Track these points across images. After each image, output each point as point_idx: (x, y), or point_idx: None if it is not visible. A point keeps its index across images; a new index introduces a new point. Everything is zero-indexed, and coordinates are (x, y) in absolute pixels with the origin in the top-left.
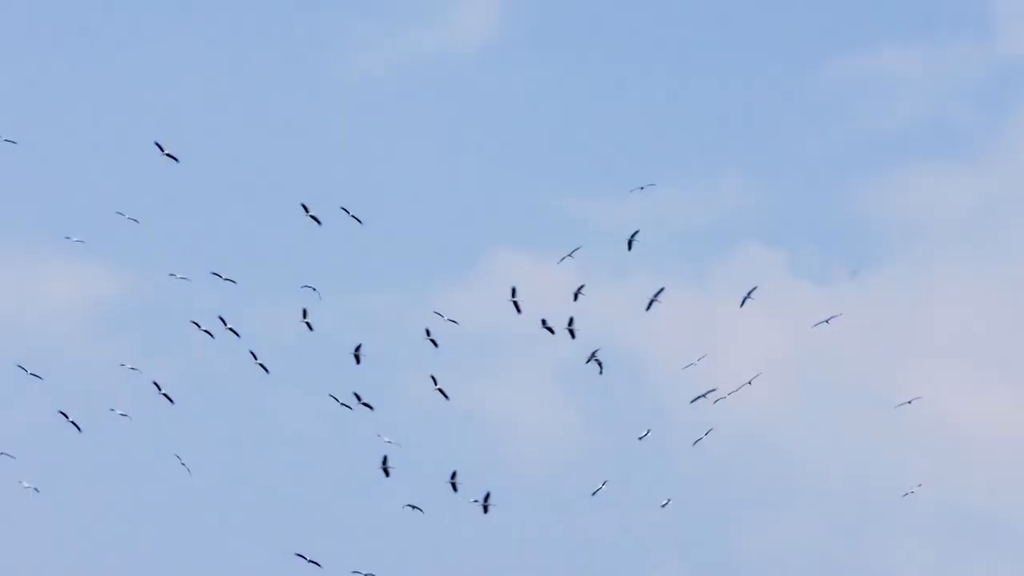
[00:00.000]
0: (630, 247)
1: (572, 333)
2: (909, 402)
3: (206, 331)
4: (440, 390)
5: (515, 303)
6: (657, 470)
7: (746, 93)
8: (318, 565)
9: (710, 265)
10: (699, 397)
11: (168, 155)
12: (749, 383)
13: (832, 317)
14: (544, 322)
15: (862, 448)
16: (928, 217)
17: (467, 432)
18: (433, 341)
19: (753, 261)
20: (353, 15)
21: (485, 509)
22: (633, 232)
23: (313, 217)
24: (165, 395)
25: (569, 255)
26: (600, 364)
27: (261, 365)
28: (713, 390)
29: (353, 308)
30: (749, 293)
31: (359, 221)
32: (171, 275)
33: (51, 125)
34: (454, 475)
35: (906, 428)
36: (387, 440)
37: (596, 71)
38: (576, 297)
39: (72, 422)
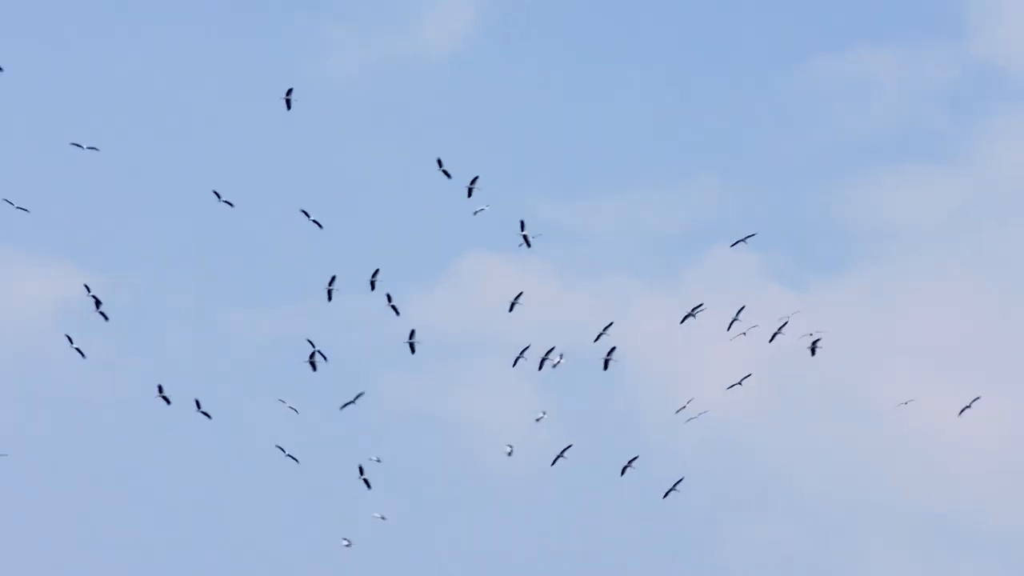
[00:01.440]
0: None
1: (606, 364)
2: (905, 403)
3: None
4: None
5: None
6: (634, 475)
7: (720, 96)
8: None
9: (683, 268)
10: (682, 408)
11: (91, 147)
12: (740, 383)
13: (784, 323)
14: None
15: (837, 452)
16: (902, 220)
17: (440, 434)
18: (412, 345)
19: (725, 264)
20: (326, 19)
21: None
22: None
23: (315, 222)
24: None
25: (525, 240)
26: (608, 361)
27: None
28: (691, 400)
29: (326, 310)
30: (692, 311)
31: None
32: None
33: (15, 123)
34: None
35: (881, 432)
36: (374, 459)
37: (570, 75)
38: (512, 308)
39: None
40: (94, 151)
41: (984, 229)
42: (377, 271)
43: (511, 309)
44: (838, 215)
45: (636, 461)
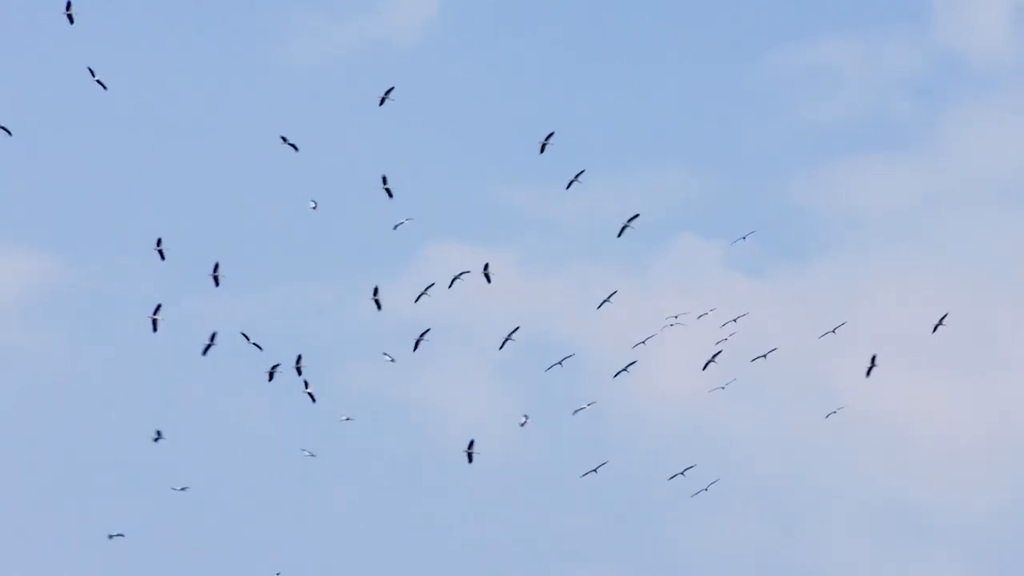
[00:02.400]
0: (620, 234)
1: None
2: (835, 412)
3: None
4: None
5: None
6: (589, 463)
7: (686, 85)
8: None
9: (647, 256)
10: (621, 371)
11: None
12: (764, 356)
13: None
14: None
15: (800, 440)
16: (867, 208)
17: (407, 420)
18: (390, 357)
19: (689, 252)
20: (293, 5)
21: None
22: (632, 216)
23: (291, 145)
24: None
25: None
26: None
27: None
28: (634, 362)
29: (294, 298)
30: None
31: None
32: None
33: None
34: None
35: (842, 421)
36: (345, 418)
37: (536, 61)
38: (416, 346)
39: None
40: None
41: (949, 217)
42: (218, 265)
43: (451, 286)
44: (803, 204)
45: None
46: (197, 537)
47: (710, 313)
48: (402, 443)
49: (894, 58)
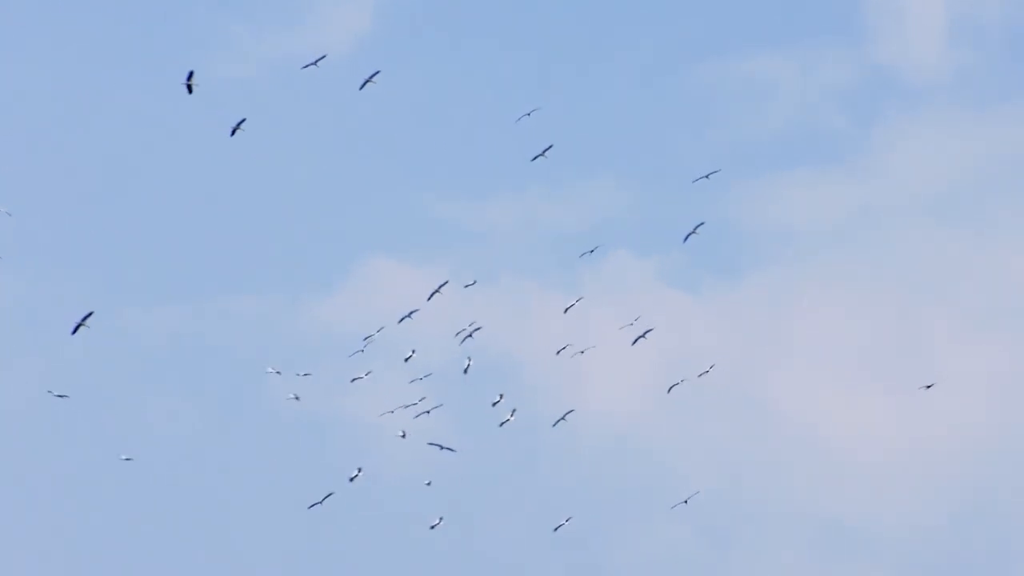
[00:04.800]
0: (686, 240)
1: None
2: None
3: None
4: None
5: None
6: (526, 477)
7: (618, 97)
8: None
9: (581, 271)
10: (560, 420)
11: None
12: (708, 371)
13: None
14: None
15: (733, 456)
16: (800, 223)
17: (336, 436)
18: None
19: (622, 267)
20: (226, 17)
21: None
22: (697, 225)
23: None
24: None
25: None
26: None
27: None
28: (572, 411)
29: (226, 311)
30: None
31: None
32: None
33: None
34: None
35: (776, 435)
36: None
37: (466, 74)
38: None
39: None
40: None
41: (882, 231)
42: None
43: (429, 299)
44: (735, 218)
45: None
46: (137, 548)
47: (635, 323)
48: (329, 458)
49: (828, 72)
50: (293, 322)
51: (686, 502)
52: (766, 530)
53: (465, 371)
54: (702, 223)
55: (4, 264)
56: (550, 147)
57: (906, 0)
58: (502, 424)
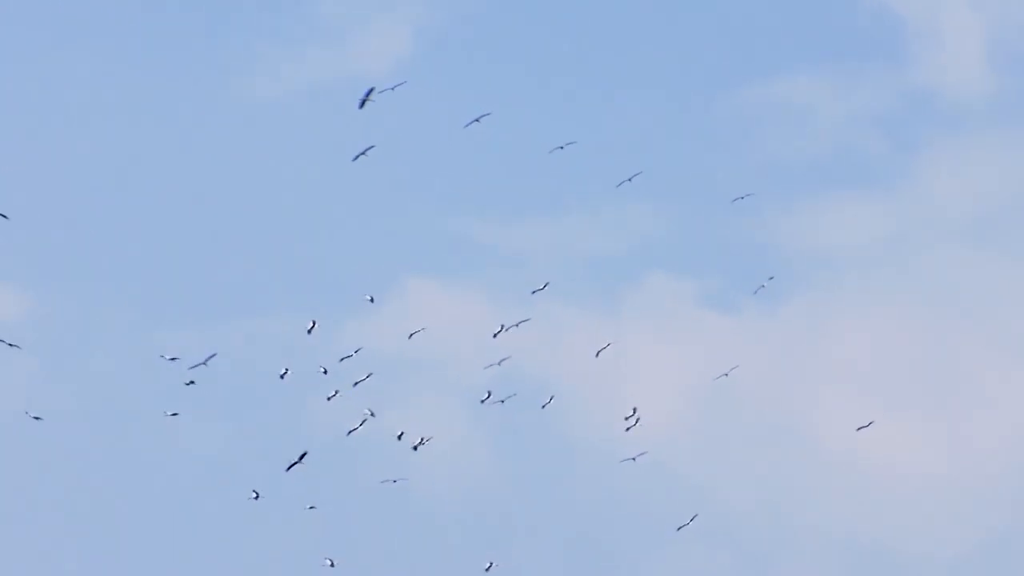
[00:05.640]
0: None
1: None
2: (633, 459)
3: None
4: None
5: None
6: (566, 500)
7: (656, 121)
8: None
9: (619, 294)
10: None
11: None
12: (727, 374)
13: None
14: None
15: (770, 479)
16: (836, 247)
17: (377, 458)
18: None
19: (661, 291)
20: (262, 38)
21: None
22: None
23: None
24: None
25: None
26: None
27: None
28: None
29: (263, 332)
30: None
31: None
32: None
33: None
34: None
35: (814, 459)
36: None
37: (505, 97)
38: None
39: None
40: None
41: (920, 255)
42: None
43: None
44: (774, 241)
45: None
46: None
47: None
48: (370, 481)
49: (867, 95)
50: (329, 343)
51: (688, 524)
52: (804, 554)
53: (482, 402)
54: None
55: (34, 284)
56: (572, 143)
57: (945, 23)
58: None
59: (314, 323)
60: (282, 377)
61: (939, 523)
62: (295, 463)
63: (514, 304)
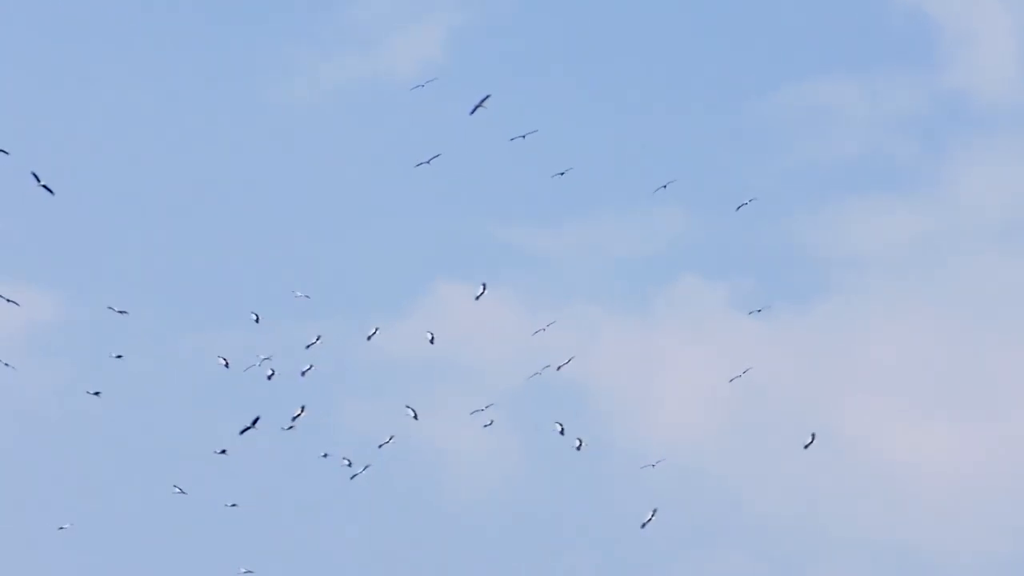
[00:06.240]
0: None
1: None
2: (653, 465)
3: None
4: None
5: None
6: (596, 504)
7: (686, 124)
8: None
9: (650, 296)
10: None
11: (44, 186)
12: (741, 375)
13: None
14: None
15: (801, 484)
16: (868, 251)
17: (408, 462)
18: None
19: (693, 293)
20: (292, 41)
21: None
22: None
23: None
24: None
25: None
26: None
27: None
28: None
29: (297, 335)
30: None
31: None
32: (109, 308)
33: None
34: None
35: (845, 464)
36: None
37: (536, 99)
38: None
39: None
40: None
41: (952, 259)
42: None
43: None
44: (806, 244)
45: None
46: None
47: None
48: (403, 486)
49: (897, 98)
50: (360, 347)
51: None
52: (835, 558)
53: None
54: (488, 96)
55: (64, 289)
56: (488, 96)
57: (977, 26)
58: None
59: (376, 329)
60: (269, 379)
61: (970, 527)
62: (248, 427)
63: (546, 308)
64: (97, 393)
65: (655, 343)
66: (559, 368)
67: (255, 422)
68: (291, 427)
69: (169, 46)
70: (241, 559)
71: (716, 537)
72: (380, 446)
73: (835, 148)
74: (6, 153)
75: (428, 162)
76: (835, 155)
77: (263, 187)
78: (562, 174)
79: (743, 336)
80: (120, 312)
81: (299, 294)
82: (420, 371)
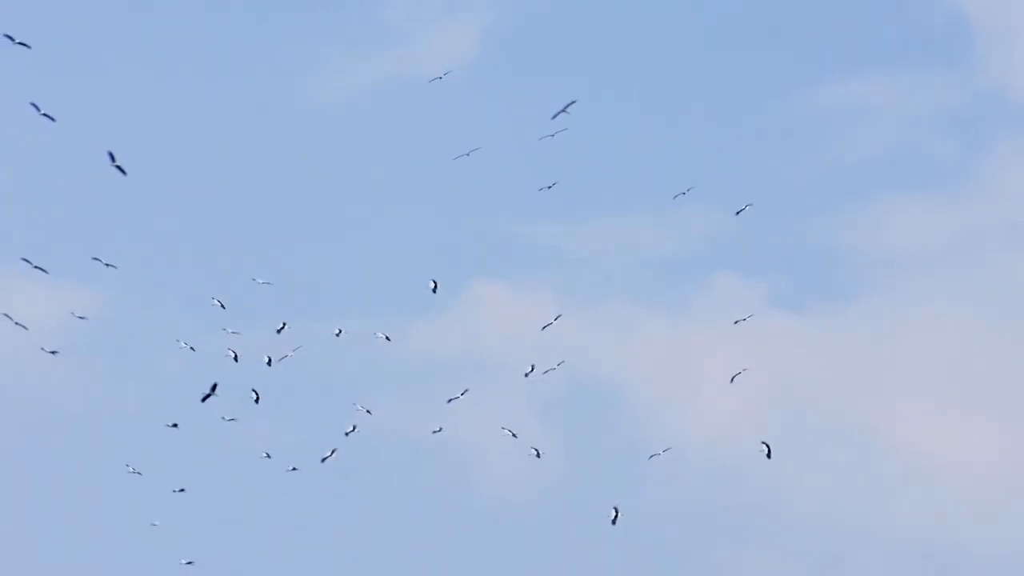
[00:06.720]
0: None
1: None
2: (661, 452)
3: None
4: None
5: None
6: (632, 503)
7: (724, 121)
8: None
9: (687, 294)
10: (655, 455)
11: (117, 167)
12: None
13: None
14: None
15: (838, 483)
16: (905, 249)
17: (445, 462)
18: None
19: (730, 291)
20: (321, 40)
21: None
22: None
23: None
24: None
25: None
26: None
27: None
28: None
29: (326, 334)
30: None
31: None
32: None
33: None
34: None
35: (882, 462)
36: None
37: (572, 96)
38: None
39: None
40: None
41: (989, 257)
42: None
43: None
44: (843, 242)
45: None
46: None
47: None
48: (438, 482)
49: (935, 96)
50: (398, 346)
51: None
52: (872, 557)
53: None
54: (573, 101)
55: (111, 288)
56: (573, 102)
57: (1015, 23)
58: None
59: (387, 336)
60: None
61: (1009, 525)
62: (208, 395)
63: (581, 305)
64: (175, 425)
65: (690, 341)
66: (556, 366)
67: (214, 388)
68: (327, 458)
69: (201, 46)
70: (245, 559)
71: (752, 535)
72: (346, 434)
73: (872, 146)
74: (52, 119)
75: (467, 155)
76: (872, 153)
77: (294, 187)
78: (550, 187)
79: (779, 335)
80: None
81: (261, 280)
82: (454, 369)
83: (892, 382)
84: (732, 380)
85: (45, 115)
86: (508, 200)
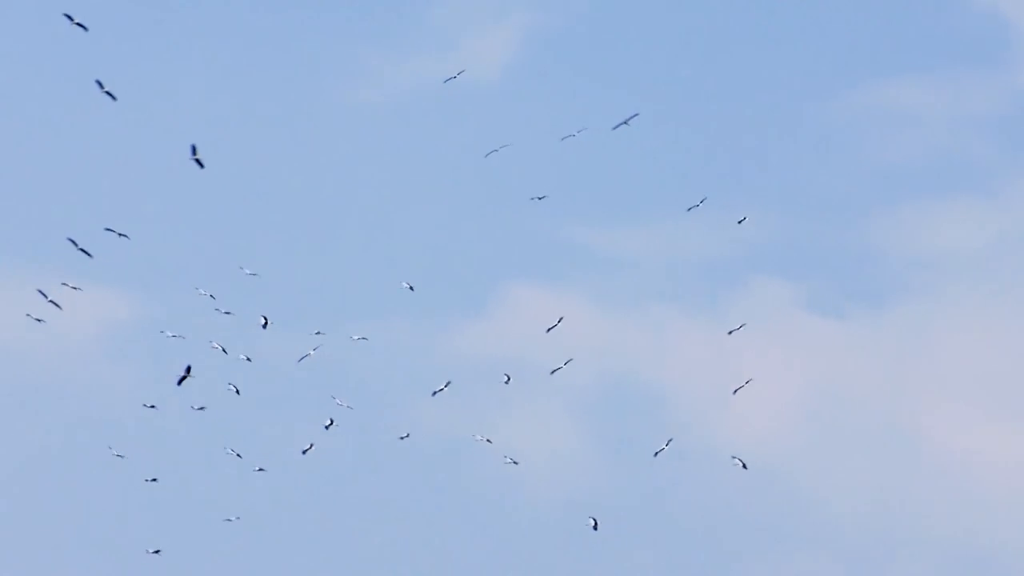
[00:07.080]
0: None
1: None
2: (664, 446)
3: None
4: None
5: None
6: (669, 507)
7: (762, 124)
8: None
9: (726, 298)
10: (660, 450)
11: (196, 160)
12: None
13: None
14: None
15: (878, 486)
16: (945, 252)
17: (480, 465)
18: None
19: (769, 295)
20: (360, 44)
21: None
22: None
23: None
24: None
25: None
26: None
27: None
28: (671, 440)
29: (365, 337)
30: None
31: (112, 97)
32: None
33: (56, 147)
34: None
35: (922, 465)
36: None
37: (612, 102)
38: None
39: None
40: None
41: None
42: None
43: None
44: (882, 246)
45: None
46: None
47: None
48: (479, 486)
49: (973, 99)
50: (433, 349)
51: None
52: (913, 559)
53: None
54: (636, 114)
55: (146, 292)
56: (635, 115)
57: None
58: (656, 454)
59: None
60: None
61: None
62: (183, 377)
63: (618, 308)
64: (202, 408)
65: (729, 344)
66: (564, 364)
67: (188, 371)
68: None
69: (244, 49)
70: (248, 557)
71: (792, 538)
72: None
73: (912, 149)
74: (114, 97)
75: (497, 150)
76: (912, 156)
77: (334, 189)
78: (540, 198)
79: (817, 338)
80: (226, 313)
81: (248, 271)
82: (492, 372)
83: (932, 385)
84: (735, 393)
85: (107, 93)
86: (545, 202)
